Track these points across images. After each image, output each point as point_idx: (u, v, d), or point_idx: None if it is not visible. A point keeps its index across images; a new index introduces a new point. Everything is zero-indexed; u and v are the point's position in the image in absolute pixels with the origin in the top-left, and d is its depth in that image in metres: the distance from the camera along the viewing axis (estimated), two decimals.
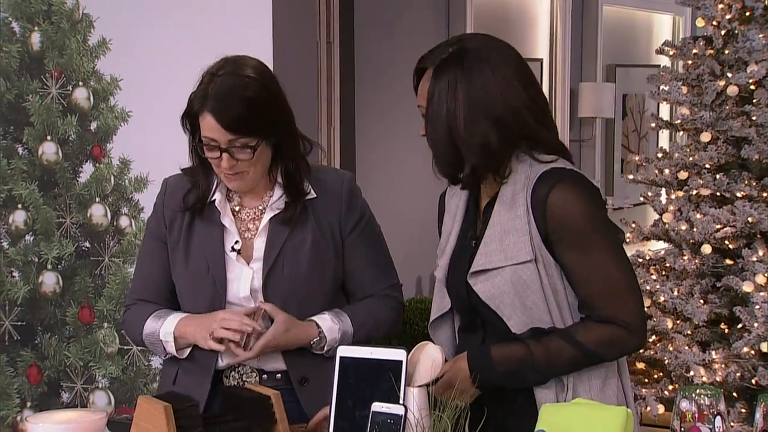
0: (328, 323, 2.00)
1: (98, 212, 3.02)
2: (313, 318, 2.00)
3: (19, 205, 3.04)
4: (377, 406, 1.58)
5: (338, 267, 2.05)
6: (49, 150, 3.03)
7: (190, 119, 1.97)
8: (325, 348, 1.99)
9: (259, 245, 2.02)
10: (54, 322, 3.05)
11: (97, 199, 3.02)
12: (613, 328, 1.75)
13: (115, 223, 3.01)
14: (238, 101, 1.89)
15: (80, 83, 3.00)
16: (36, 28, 3.02)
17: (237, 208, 2.05)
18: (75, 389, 3.05)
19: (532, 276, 1.76)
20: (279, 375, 2.02)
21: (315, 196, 2.03)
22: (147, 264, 2.12)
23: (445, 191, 2.00)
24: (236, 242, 2.01)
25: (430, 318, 1.96)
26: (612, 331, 1.75)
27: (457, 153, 1.78)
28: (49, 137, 3.03)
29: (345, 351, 1.71)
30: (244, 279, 2.00)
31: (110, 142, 3.00)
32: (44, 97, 3.02)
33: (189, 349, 2.03)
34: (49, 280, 3.05)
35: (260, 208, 2.04)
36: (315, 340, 1.98)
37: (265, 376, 2.01)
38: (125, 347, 3.01)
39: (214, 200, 2.04)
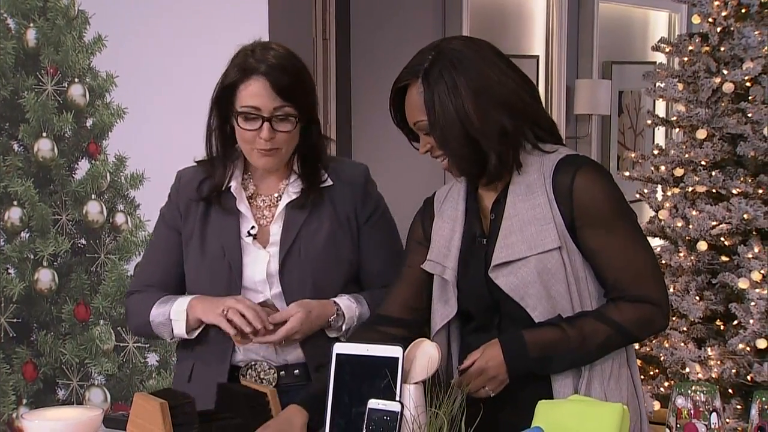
0: (345, 302, 2.02)
1: (94, 209, 3.02)
2: (331, 298, 2.01)
3: (15, 202, 3.04)
4: (373, 403, 1.58)
5: (354, 254, 2.06)
6: (44, 147, 3.03)
7: (226, 92, 1.97)
8: (344, 327, 2.00)
9: (275, 230, 2.02)
10: (50, 319, 3.04)
11: (93, 196, 3.01)
12: (646, 306, 1.78)
13: (110, 220, 3.01)
14: (287, 67, 1.94)
15: (76, 80, 3.00)
16: (31, 24, 3.02)
17: (252, 196, 2.06)
18: (71, 386, 3.05)
19: (557, 265, 1.76)
20: (297, 370, 2.01)
21: (332, 184, 2.05)
22: (158, 252, 2.12)
23: (432, 197, 1.99)
24: (252, 227, 2.02)
25: (432, 328, 1.91)
26: (645, 310, 1.78)
27: (477, 148, 1.78)
28: (44, 134, 3.03)
29: (341, 348, 1.71)
30: (260, 263, 2.00)
31: (106, 138, 3.00)
32: (40, 93, 3.02)
33: (198, 331, 2.01)
34: (45, 277, 3.05)
35: (276, 195, 2.05)
36: (333, 317, 1.99)
37: (282, 372, 2.00)
38: (121, 344, 3.01)
39: (230, 187, 2.04)
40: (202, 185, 2.06)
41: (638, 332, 1.82)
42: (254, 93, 1.93)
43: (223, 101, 1.98)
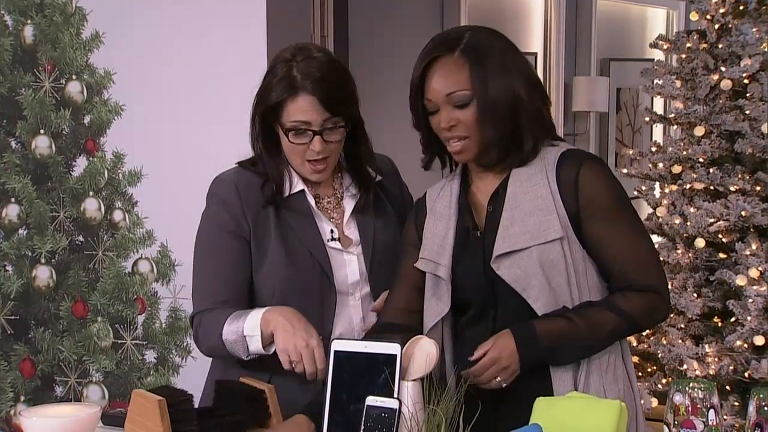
0: None
1: (92, 206, 3.01)
2: None
3: (13, 199, 3.04)
4: (372, 400, 1.58)
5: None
6: (42, 144, 3.03)
7: (271, 111, 1.94)
8: None
9: (351, 233, 2.03)
10: (47, 316, 3.04)
11: (91, 193, 3.01)
12: (651, 295, 1.82)
13: (108, 217, 3.01)
14: (331, 80, 1.92)
15: (73, 77, 2.99)
16: (29, 21, 3.01)
17: (317, 198, 2.04)
18: (69, 383, 3.04)
19: (558, 256, 1.78)
20: None
21: (380, 178, 2.07)
22: (224, 264, 1.97)
23: (423, 198, 1.99)
24: (332, 231, 2.01)
25: (425, 325, 1.91)
26: (651, 299, 1.82)
27: (515, 129, 1.81)
28: (42, 131, 3.02)
29: (340, 345, 1.71)
30: (351, 265, 2.01)
31: (104, 135, 3.00)
32: (37, 90, 3.01)
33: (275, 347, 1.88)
34: (43, 274, 3.04)
35: (336, 196, 2.06)
36: None
37: None
38: (119, 341, 3.01)
39: (301, 190, 2.01)
40: (264, 188, 1.98)
41: (644, 321, 1.85)
42: (303, 109, 1.90)
43: (269, 116, 1.95)
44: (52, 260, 3.04)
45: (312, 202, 2.02)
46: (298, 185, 2.01)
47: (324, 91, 1.90)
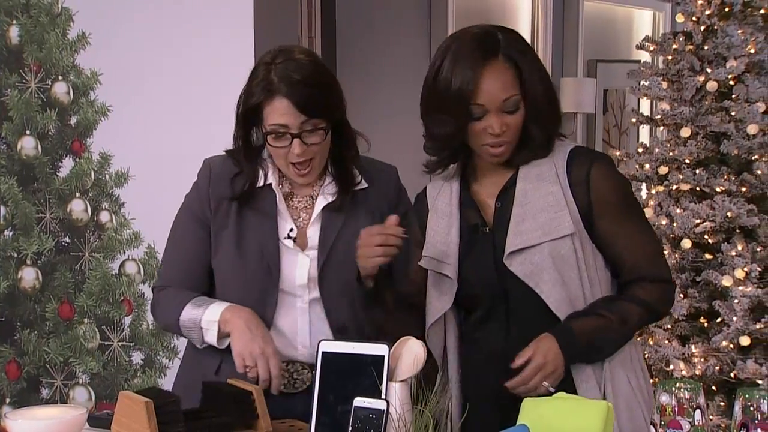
0: None
1: (78, 207, 3.00)
2: None
3: None
4: (359, 401, 1.58)
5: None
6: (28, 145, 3.01)
7: (251, 113, 1.94)
8: None
9: (313, 234, 2.00)
10: (33, 317, 3.03)
11: (77, 194, 3.00)
12: (665, 284, 1.91)
13: (95, 218, 3.00)
14: (310, 82, 1.90)
15: (60, 77, 2.98)
16: (14, 21, 3.00)
17: (288, 195, 2.03)
18: (55, 385, 3.03)
19: (569, 251, 1.81)
20: None
21: (366, 186, 2.03)
22: (184, 245, 2.05)
23: (423, 192, 1.99)
24: (291, 230, 1.99)
25: (426, 321, 1.92)
26: (665, 288, 1.91)
27: (547, 124, 1.86)
28: (28, 132, 3.01)
29: (327, 346, 1.71)
30: (300, 267, 1.98)
31: (90, 136, 2.99)
32: (23, 91, 3.00)
33: (229, 341, 1.95)
34: (29, 276, 3.03)
35: (311, 196, 2.02)
36: None
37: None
38: (106, 343, 3.00)
39: (270, 184, 2.00)
40: (235, 179, 2.00)
41: (662, 309, 1.94)
42: (280, 112, 1.90)
43: (250, 118, 1.96)
44: (38, 261, 3.03)
45: (278, 197, 2.00)
46: (269, 179, 2.00)
47: (300, 94, 1.88)
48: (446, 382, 1.93)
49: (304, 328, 1.98)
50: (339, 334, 1.95)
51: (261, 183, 2.00)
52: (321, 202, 2.00)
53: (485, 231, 1.88)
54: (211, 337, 1.95)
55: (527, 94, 1.82)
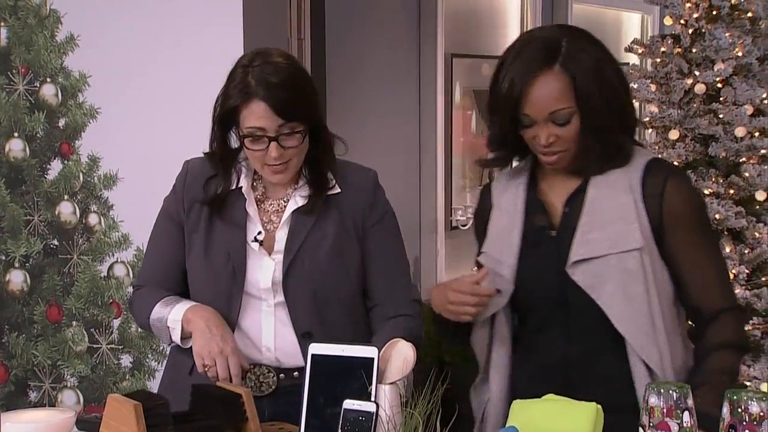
0: None
1: (66, 210, 2.99)
2: None
3: None
4: (349, 404, 1.58)
5: (361, 265, 2.01)
6: (16, 147, 3.00)
7: (228, 116, 1.94)
8: None
9: (281, 237, 1.98)
10: (21, 320, 3.01)
11: (66, 197, 2.99)
12: (737, 312, 1.85)
13: (83, 221, 2.99)
14: (287, 85, 1.89)
15: (48, 79, 2.97)
16: (2, 23, 2.99)
17: (261, 198, 2.02)
18: (43, 388, 3.02)
19: (637, 265, 1.76)
20: (296, 373, 1.95)
21: (340, 191, 2.01)
22: (161, 246, 2.08)
23: (488, 189, 1.96)
24: (259, 233, 1.98)
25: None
26: (738, 316, 1.86)
27: (617, 139, 1.80)
28: (16, 134, 3.00)
29: (317, 348, 1.71)
30: (265, 270, 1.97)
31: (79, 139, 2.98)
32: (11, 93, 2.99)
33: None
34: (17, 279, 3.02)
35: (284, 200, 2.01)
36: None
37: (282, 375, 1.97)
38: (94, 345, 2.99)
39: (241, 187, 2.00)
40: (209, 183, 2.01)
41: (746, 338, 1.89)
42: (257, 116, 1.88)
43: (227, 121, 1.95)
44: (27, 264, 3.02)
45: (249, 201, 2.00)
46: (242, 182, 2.01)
47: (277, 98, 1.87)
48: (485, 381, 1.90)
49: (268, 331, 1.98)
50: (303, 339, 1.94)
51: (233, 186, 2.01)
52: (291, 206, 2.00)
53: (551, 235, 1.84)
54: (176, 337, 1.98)
55: (583, 107, 1.75)
